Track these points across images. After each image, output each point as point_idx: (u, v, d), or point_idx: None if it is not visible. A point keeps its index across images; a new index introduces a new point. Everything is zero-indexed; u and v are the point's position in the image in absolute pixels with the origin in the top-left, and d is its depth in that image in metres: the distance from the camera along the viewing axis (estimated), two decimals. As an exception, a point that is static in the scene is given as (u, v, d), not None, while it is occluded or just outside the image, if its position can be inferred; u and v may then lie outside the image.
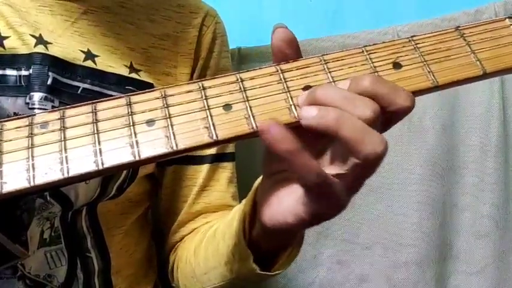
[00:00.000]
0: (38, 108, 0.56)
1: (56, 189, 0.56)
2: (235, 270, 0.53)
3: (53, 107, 0.57)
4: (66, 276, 0.59)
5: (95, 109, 0.39)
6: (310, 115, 0.38)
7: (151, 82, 0.64)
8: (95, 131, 0.37)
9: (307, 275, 0.91)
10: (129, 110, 0.39)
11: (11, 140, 0.37)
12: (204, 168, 0.69)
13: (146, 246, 0.72)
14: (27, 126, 0.38)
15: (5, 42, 0.57)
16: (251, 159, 0.83)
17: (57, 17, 0.60)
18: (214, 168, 0.70)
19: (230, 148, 0.72)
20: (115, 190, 0.61)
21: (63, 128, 0.38)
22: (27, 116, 0.38)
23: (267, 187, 0.44)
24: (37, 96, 0.56)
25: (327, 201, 0.39)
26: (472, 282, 0.89)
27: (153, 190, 0.71)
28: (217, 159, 0.70)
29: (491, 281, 0.88)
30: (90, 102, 0.39)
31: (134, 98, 0.39)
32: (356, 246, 0.91)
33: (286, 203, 0.41)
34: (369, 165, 0.37)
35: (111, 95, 0.58)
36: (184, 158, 0.68)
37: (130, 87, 0.62)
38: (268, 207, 0.43)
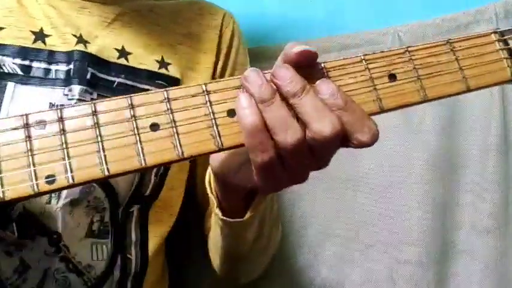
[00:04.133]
0: (78, 99, 0.61)
1: None
2: (213, 227, 0.60)
3: (91, 99, 0.62)
4: (103, 271, 0.62)
5: (95, 111, 0.38)
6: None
7: (179, 77, 0.70)
8: (98, 137, 0.37)
9: (307, 275, 0.91)
10: (132, 114, 0.38)
11: (9, 144, 0.37)
12: None
13: (163, 260, 0.75)
14: (23, 127, 0.37)
15: (47, 39, 0.63)
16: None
17: (94, 18, 0.67)
18: None
19: None
20: (154, 176, 0.66)
21: (63, 132, 0.37)
22: (21, 115, 0.38)
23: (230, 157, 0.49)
24: (77, 88, 0.61)
25: (273, 178, 0.42)
26: (473, 282, 0.89)
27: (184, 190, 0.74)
28: None
29: (492, 280, 0.88)
30: (89, 102, 0.39)
31: (136, 100, 0.39)
32: (356, 245, 0.91)
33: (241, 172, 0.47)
34: (289, 152, 0.40)
35: (144, 89, 0.66)
36: None
37: (160, 82, 0.68)
38: (225, 172, 0.50)
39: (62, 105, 0.59)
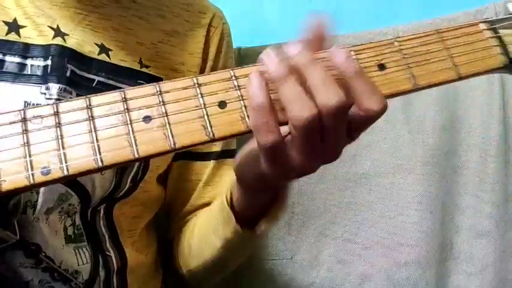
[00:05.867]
0: (57, 99, 0.56)
1: (65, 182, 0.57)
2: (221, 236, 0.57)
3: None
4: (90, 274, 0.60)
5: (90, 105, 0.39)
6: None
7: (161, 77, 0.65)
8: (92, 129, 0.38)
9: (307, 275, 0.91)
10: (125, 107, 0.39)
11: (6, 137, 0.37)
12: (210, 164, 0.71)
13: (155, 250, 0.73)
14: (20, 121, 0.38)
15: (21, 31, 0.58)
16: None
17: (70, 10, 0.61)
18: (219, 164, 0.72)
19: (233, 145, 0.74)
20: (129, 182, 0.62)
21: (58, 125, 0.38)
22: (19, 110, 0.38)
23: (246, 150, 0.49)
24: (56, 87, 0.57)
25: (280, 162, 0.42)
26: (472, 282, 0.88)
27: (162, 195, 0.72)
28: (222, 156, 0.72)
29: (492, 281, 0.88)
30: (84, 97, 0.39)
31: (129, 94, 0.39)
32: (356, 246, 0.91)
33: (254, 164, 0.46)
34: (300, 128, 0.40)
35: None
36: (191, 155, 0.71)
37: (142, 81, 0.63)
38: (241, 168, 0.49)
39: (39, 104, 0.53)
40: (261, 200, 0.53)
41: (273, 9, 0.94)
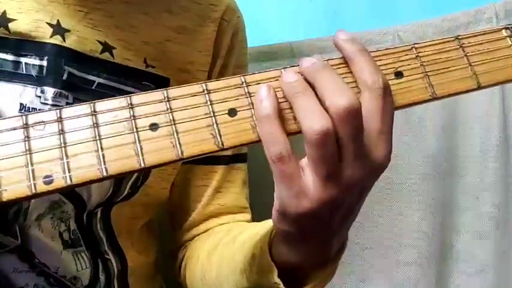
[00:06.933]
0: (52, 105, 0.53)
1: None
2: (253, 281, 0.50)
3: (67, 103, 0.54)
4: (90, 279, 0.58)
5: (95, 111, 0.37)
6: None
7: (168, 77, 0.62)
8: (97, 137, 0.36)
9: (307, 275, 0.91)
10: (131, 114, 0.37)
11: (7, 144, 0.36)
12: (219, 169, 0.68)
13: (155, 250, 0.71)
14: (22, 128, 0.36)
15: (10, 25, 0.54)
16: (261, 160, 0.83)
17: (70, 8, 0.56)
18: (229, 169, 0.68)
19: (244, 149, 0.70)
20: (129, 188, 0.60)
21: (62, 132, 0.36)
22: (21, 116, 0.37)
23: None
24: (51, 92, 0.54)
25: (291, 183, 0.38)
26: (472, 282, 0.89)
27: (165, 196, 0.69)
28: (233, 160, 0.68)
29: (492, 281, 0.88)
30: (88, 102, 0.38)
31: (135, 99, 0.38)
32: (356, 246, 0.90)
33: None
34: (313, 143, 0.37)
35: (127, 91, 0.58)
36: (198, 158, 0.67)
37: (147, 83, 0.60)
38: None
39: (34, 108, 0.53)
40: (309, 257, 0.45)
41: (273, 9, 0.94)
